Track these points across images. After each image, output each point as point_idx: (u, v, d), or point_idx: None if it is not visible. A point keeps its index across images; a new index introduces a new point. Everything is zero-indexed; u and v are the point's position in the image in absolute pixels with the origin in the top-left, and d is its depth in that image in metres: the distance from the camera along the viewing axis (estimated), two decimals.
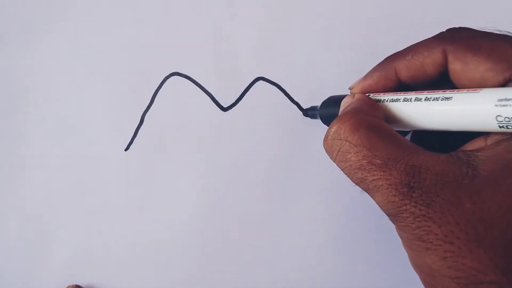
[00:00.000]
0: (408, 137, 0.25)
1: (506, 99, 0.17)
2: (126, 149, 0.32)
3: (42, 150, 0.33)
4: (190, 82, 0.32)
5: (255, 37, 0.31)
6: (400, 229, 0.19)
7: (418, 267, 0.19)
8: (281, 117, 0.31)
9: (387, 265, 0.30)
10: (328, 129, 0.21)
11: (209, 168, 0.32)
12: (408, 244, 0.19)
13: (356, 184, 0.20)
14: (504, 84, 0.18)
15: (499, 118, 0.17)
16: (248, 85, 0.32)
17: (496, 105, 0.17)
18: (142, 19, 0.33)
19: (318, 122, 0.31)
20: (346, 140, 0.20)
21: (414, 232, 0.18)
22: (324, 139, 0.21)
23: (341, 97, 0.26)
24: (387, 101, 0.22)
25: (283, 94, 0.31)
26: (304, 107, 0.31)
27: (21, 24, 0.34)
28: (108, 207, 0.32)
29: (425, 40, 0.21)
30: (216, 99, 0.32)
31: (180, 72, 0.32)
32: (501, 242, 0.16)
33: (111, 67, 0.33)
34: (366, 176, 0.19)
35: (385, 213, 0.19)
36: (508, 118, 0.17)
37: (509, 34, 0.19)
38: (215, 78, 0.32)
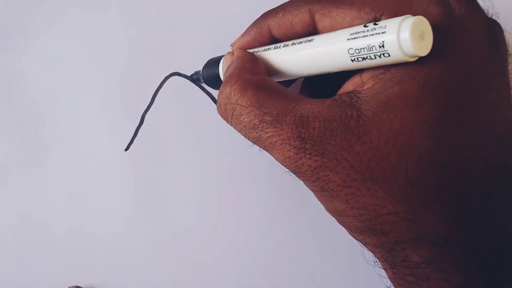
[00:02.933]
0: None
1: (357, 32, 0.18)
2: (126, 149, 0.32)
3: (42, 150, 0.33)
4: (190, 82, 0.32)
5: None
6: (304, 182, 0.20)
7: (329, 210, 0.20)
8: None
9: None
10: (218, 94, 0.22)
11: (209, 168, 0.32)
12: (315, 194, 0.20)
13: (254, 143, 0.21)
14: None
15: (351, 51, 0.18)
16: None
17: (348, 39, 0.18)
18: (142, 19, 0.33)
19: None
20: (236, 103, 0.20)
21: (315, 183, 0.19)
22: (217, 105, 0.22)
23: (220, 58, 0.27)
24: (261, 53, 0.23)
25: None
26: None
27: (21, 24, 0.34)
28: (108, 207, 0.32)
29: None
30: (216, 99, 0.32)
31: (180, 72, 0.32)
32: (393, 175, 0.17)
33: (111, 67, 0.33)
34: (260, 135, 0.20)
35: (286, 169, 0.20)
36: (358, 49, 0.18)
37: None
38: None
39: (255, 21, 0.24)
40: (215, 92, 0.32)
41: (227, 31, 0.32)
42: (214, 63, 0.27)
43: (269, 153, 0.20)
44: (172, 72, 0.32)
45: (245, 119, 0.20)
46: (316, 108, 0.18)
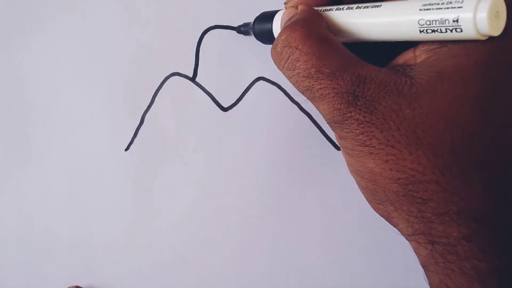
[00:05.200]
0: None
1: (430, 4, 0.18)
2: (126, 149, 0.32)
3: (42, 150, 0.33)
4: (190, 82, 0.32)
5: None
6: (343, 137, 0.20)
7: (359, 173, 0.20)
8: (281, 117, 0.31)
9: (388, 265, 0.30)
10: (277, 38, 0.21)
11: (209, 168, 0.32)
12: (351, 151, 0.20)
13: (302, 92, 0.21)
14: None
15: (421, 22, 0.18)
16: (248, 85, 0.32)
17: (420, 9, 0.18)
18: (142, 19, 0.33)
19: (323, 124, 0.31)
20: (297, 48, 0.20)
21: (358, 138, 0.19)
22: (272, 47, 0.21)
23: (274, 12, 0.26)
24: (321, 11, 0.23)
25: (283, 94, 0.31)
26: (304, 107, 0.31)
27: (21, 24, 0.34)
28: (108, 207, 0.32)
29: None
30: (216, 99, 0.32)
31: (180, 72, 0.32)
32: (438, 144, 0.17)
33: (111, 67, 0.33)
34: (313, 85, 0.20)
35: (329, 121, 0.20)
36: (430, 21, 0.18)
37: None
38: (215, 78, 0.32)
39: None
40: (215, 92, 0.32)
41: (228, 31, 0.32)
42: (267, 17, 0.27)
43: (316, 104, 0.20)
44: (172, 72, 0.32)
45: (302, 66, 0.20)
46: (373, 72, 0.19)
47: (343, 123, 0.19)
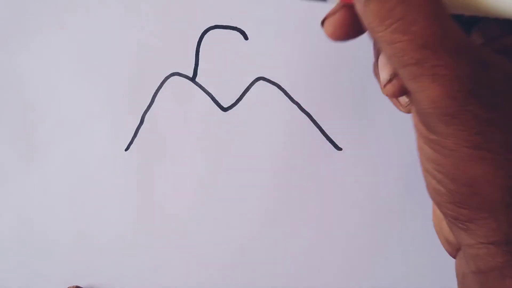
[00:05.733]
0: None
1: None
2: (126, 149, 0.32)
3: (42, 150, 0.33)
4: (190, 82, 0.32)
5: (255, 37, 0.31)
6: (446, 134, 0.16)
7: (452, 176, 0.16)
8: (281, 117, 0.31)
9: (387, 264, 0.30)
10: None
11: (209, 168, 0.32)
12: (448, 151, 0.16)
13: (403, 66, 0.16)
14: None
15: None
16: (248, 85, 0.32)
17: None
18: (142, 19, 0.33)
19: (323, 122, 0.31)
20: (417, 6, 0.15)
21: (471, 138, 0.15)
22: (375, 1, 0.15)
23: None
24: None
25: (283, 94, 0.31)
26: (304, 107, 0.31)
27: (22, 24, 0.34)
28: (108, 207, 0.32)
29: None
30: (216, 99, 0.32)
31: (180, 72, 0.32)
32: None
33: (112, 67, 0.33)
34: (428, 58, 0.15)
35: (435, 111, 0.15)
36: None
37: None
38: (215, 78, 0.32)
39: None
40: (215, 92, 0.32)
41: (228, 30, 0.32)
42: None
43: (417, 85, 0.16)
44: (172, 72, 0.32)
45: (419, 32, 0.15)
46: (498, 59, 0.16)
47: (456, 118, 0.15)
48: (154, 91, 0.32)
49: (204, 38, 0.32)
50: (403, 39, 0.15)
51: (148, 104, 0.32)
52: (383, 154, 0.31)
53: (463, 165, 0.16)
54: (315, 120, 0.31)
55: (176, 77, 0.32)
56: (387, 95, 0.19)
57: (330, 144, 0.30)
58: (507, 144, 0.15)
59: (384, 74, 0.19)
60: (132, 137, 0.32)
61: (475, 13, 0.17)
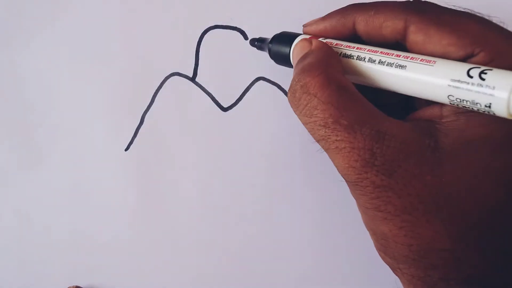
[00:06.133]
0: None
1: (460, 81, 0.17)
2: (126, 149, 0.32)
3: (42, 150, 0.33)
4: (190, 82, 0.32)
5: (255, 37, 0.31)
6: (358, 197, 0.18)
7: (372, 231, 0.19)
8: (281, 117, 0.31)
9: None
10: (296, 81, 0.20)
11: (209, 168, 0.32)
12: (364, 210, 0.19)
13: (317, 141, 0.19)
14: (464, 60, 0.18)
15: (451, 98, 0.17)
16: (248, 85, 0.32)
17: (449, 85, 0.17)
18: (142, 18, 0.33)
19: None
20: (315, 96, 0.19)
21: (372, 201, 0.18)
22: (290, 91, 0.20)
23: (295, 36, 0.25)
24: (340, 55, 0.21)
25: (283, 94, 0.31)
26: None
27: (21, 24, 0.34)
28: (108, 207, 0.32)
29: (391, 2, 0.20)
30: (216, 99, 0.32)
31: (180, 72, 0.32)
32: (458, 214, 0.17)
33: (111, 67, 0.33)
34: (329, 136, 0.18)
35: (343, 178, 0.19)
36: (460, 99, 0.17)
37: (470, 12, 0.19)
38: (215, 78, 0.32)
39: (340, 9, 0.22)
40: (215, 92, 0.32)
41: (227, 30, 0.32)
42: (286, 40, 0.25)
43: (330, 156, 0.19)
44: (172, 72, 0.32)
45: (319, 115, 0.19)
46: (395, 128, 0.18)
47: (357, 184, 0.18)
48: (154, 91, 0.32)
49: (204, 38, 0.32)
50: (310, 121, 0.19)
51: (148, 104, 0.32)
52: None
53: (374, 223, 0.18)
54: None
55: (176, 77, 0.32)
56: None
57: None
58: (403, 207, 0.17)
59: None
60: (132, 137, 0.32)
61: (368, 85, 0.21)
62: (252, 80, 0.32)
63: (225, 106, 0.32)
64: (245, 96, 0.32)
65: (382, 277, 0.30)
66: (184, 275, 0.31)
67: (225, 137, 0.32)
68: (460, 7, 0.20)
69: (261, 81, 0.32)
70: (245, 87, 0.32)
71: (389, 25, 0.20)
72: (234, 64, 0.32)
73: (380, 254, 0.20)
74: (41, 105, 0.33)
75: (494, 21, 0.19)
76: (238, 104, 0.32)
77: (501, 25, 0.19)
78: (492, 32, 0.18)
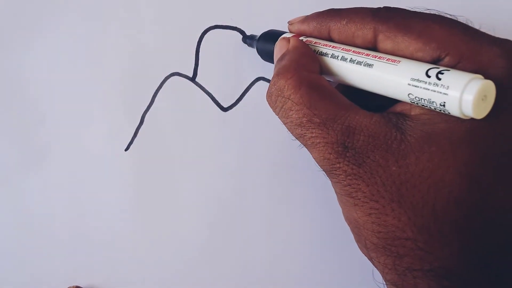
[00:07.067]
0: None
1: (418, 80, 0.18)
2: (126, 149, 0.32)
3: (42, 150, 0.33)
4: (190, 82, 0.32)
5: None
6: (334, 185, 0.20)
7: (347, 219, 0.21)
8: None
9: None
10: (271, 85, 0.22)
11: (209, 168, 0.32)
12: (340, 198, 0.20)
13: (296, 138, 0.21)
14: (434, 63, 0.19)
15: (411, 96, 0.18)
16: (248, 85, 0.32)
17: (409, 84, 0.18)
18: (142, 18, 0.33)
19: None
20: (288, 98, 0.21)
21: (345, 188, 0.19)
22: (268, 93, 0.22)
23: (280, 34, 0.26)
24: (317, 52, 0.23)
25: None
26: None
27: (21, 24, 0.34)
28: (108, 207, 0.32)
29: (362, 10, 0.21)
30: (216, 99, 0.32)
31: (180, 72, 0.32)
32: (420, 204, 0.17)
33: (111, 67, 0.33)
34: (305, 133, 0.20)
35: (321, 168, 0.21)
36: (418, 98, 0.18)
37: (438, 14, 0.20)
38: (215, 78, 0.32)
39: (318, 15, 0.24)
40: (215, 92, 0.32)
41: (227, 30, 0.32)
42: (272, 37, 0.26)
43: (308, 150, 0.21)
44: (172, 72, 0.32)
45: (294, 115, 0.21)
46: (364, 121, 0.19)
47: (332, 173, 0.20)
48: (154, 91, 0.32)
49: (204, 38, 0.32)
50: (287, 121, 0.21)
51: (148, 104, 0.32)
52: None
53: (347, 210, 0.20)
54: None
55: (176, 77, 0.32)
56: None
57: None
58: (371, 194, 0.18)
59: None
60: (132, 137, 0.32)
61: (342, 82, 0.22)
62: (252, 80, 0.32)
63: (225, 106, 0.32)
64: (245, 96, 0.32)
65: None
66: (184, 275, 0.31)
67: (225, 137, 0.32)
68: (428, 10, 0.20)
69: (261, 81, 0.32)
70: (245, 87, 0.32)
71: (360, 35, 0.21)
72: (234, 64, 0.32)
73: (358, 246, 0.21)
74: (41, 105, 0.33)
75: (460, 21, 0.19)
76: (238, 104, 0.32)
77: (468, 23, 0.19)
78: (457, 36, 0.18)
